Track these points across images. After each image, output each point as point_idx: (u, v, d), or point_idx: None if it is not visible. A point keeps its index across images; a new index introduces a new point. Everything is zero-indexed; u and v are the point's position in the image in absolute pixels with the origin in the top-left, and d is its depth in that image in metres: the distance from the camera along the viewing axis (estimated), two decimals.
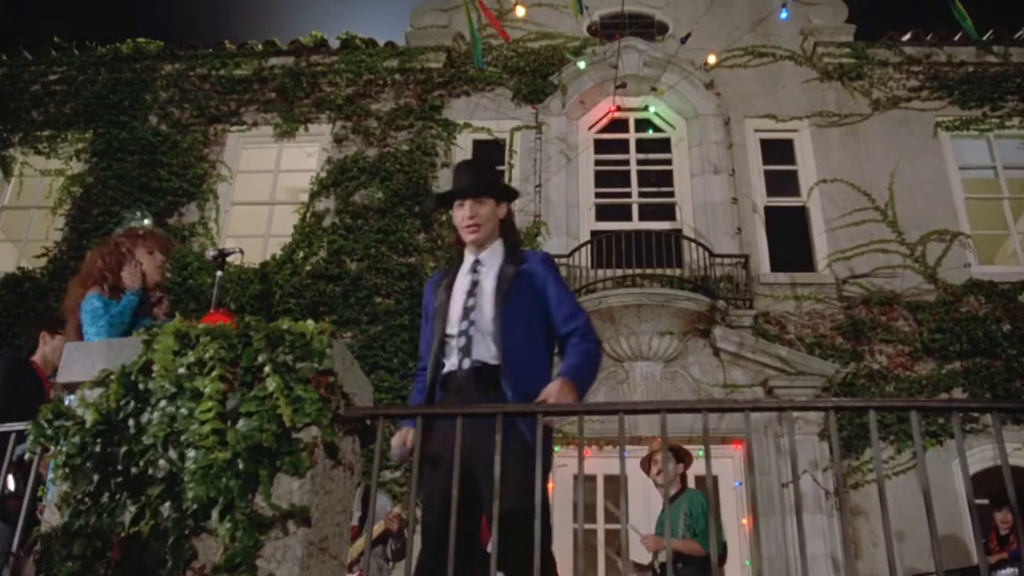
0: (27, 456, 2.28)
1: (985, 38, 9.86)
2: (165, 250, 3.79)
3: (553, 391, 2.51)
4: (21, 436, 2.37)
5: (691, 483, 5.83)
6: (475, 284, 2.87)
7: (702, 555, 5.11)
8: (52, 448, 2.21)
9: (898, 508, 7.06)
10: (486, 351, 2.71)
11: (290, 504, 2.06)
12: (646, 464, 5.76)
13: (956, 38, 9.72)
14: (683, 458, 5.65)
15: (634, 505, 5.92)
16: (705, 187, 9.26)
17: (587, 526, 7.54)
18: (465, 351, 2.73)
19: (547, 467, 2.56)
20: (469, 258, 2.95)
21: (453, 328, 2.79)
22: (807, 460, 7.57)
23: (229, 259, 4.34)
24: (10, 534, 2.67)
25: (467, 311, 2.81)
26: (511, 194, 3.13)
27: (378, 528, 5.14)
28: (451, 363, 2.75)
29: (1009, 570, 5.52)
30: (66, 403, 3.08)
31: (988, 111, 9.51)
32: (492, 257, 2.94)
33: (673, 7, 10.59)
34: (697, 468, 5.90)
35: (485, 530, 2.78)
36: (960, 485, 7.34)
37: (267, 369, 2.14)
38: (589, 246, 8.72)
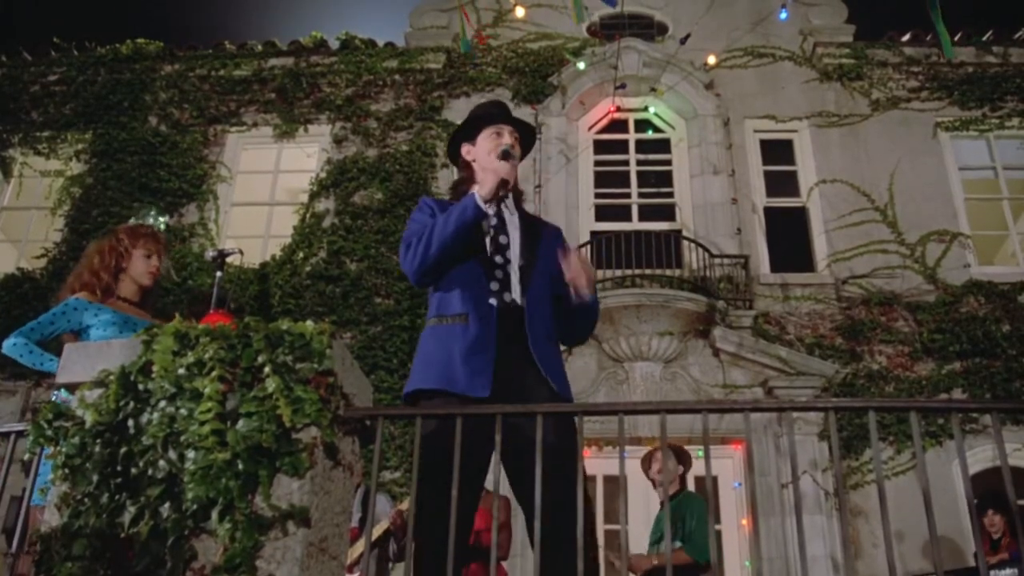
0: (27, 456, 2.28)
1: (985, 38, 9.87)
2: (162, 253, 3.76)
3: (575, 258, 2.63)
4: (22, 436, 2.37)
5: (691, 483, 5.80)
6: (503, 222, 2.81)
7: (686, 563, 5.02)
8: (52, 448, 2.21)
9: (898, 509, 7.06)
10: (517, 293, 2.68)
11: (290, 505, 2.06)
12: (646, 463, 5.73)
13: (956, 38, 9.72)
14: (683, 459, 5.61)
15: (633, 506, 5.92)
16: (705, 188, 9.26)
17: None
18: (504, 284, 2.68)
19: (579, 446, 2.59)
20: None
21: (489, 261, 2.72)
22: (807, 460, 7.57)
23: (229, 260, 4.33)
24: None
25: (501, 247, 2.76)
26: (529, 149, 3.06)
27: (380, 528, 5.13)
28: (480, 287, 2.67)
29: (1009, 570, 5.51)
30: (52, 398, 3.08)
31: (988, 111, 9.51)
32: (511, 203, 2.88)
33: (673, 7, 10.59)
34: (697, 468, 5.90)
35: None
36: (960, 486, 7.34)
37: (267, 370, 2.15)
38: (589, 247, 8.72)
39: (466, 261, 2.70)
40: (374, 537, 4.89)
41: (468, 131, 2.94)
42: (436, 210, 2.79)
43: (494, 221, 2.80)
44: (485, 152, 2.84)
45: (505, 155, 2.75)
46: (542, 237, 2.85)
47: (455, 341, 2.60)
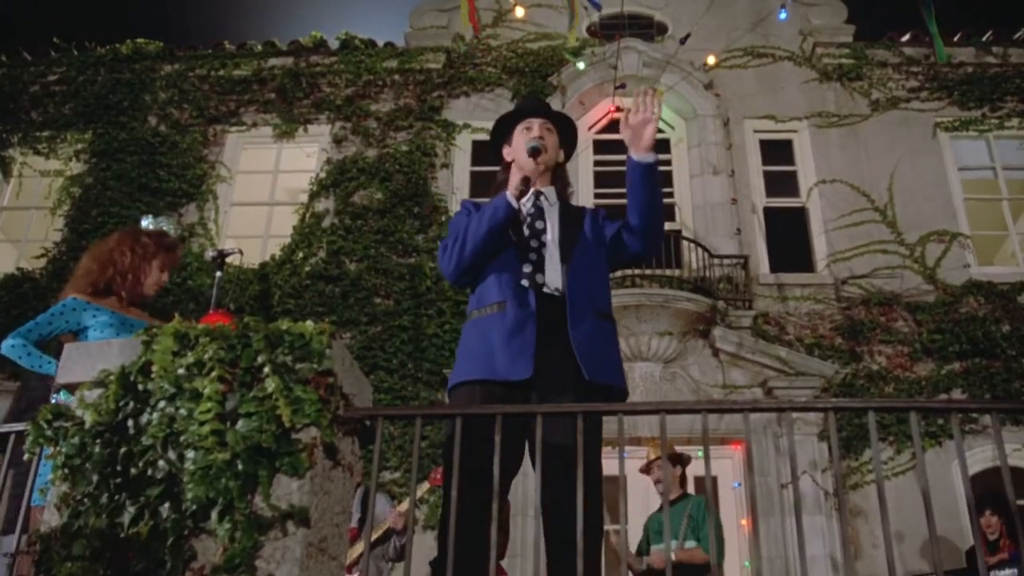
0: (26, 457, 2.28)
1: (985, 38, 9.88)
2: (170, 270, 3.75)
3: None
4: (21, 437, 2.37)
5: (690, 484, 5.82)
6: (540, 211, 2.82)
7: (705, 561, 5.09)
8: (51, 448, 2.21)
9: (897, 509, 7.07)
10: (554, 275, 2.68)
11: (289, 505, 2.06)
12: (645, 469, 5.76)
13: (955, 38, 9.74)
14: (681, 461, 5.65)
15: (633, 506, 5.93)
16: (704, 188, 9.27)
17: None
18: (537, 267, 2.69)
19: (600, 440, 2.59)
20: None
21: (524, 244, 2.73)
22: (806, 461, 7.57)
23: (228, 260, 4.33)
24: None
25: (536, 231, 2.77)
26: (573, 142, 3.03)
27: (380, 529, 5.12)
28: (515, 273, 2.68)
29: (1008, 571, 5.50)
30: (53, 400, 3.07)
31: (987, 112, 9.52)
32: (551, 194, 2.89)
33: (673, 7, 10.59)
34: (697, 469, 5.91)
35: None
36: (959, 486, 7.34)
37: (266, 370, 2.14)
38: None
39: (504, 252, 2.73)
40: (373, 537, 4.89)
41: (505, 132, 2.95)
42: (474, 212, 2.82)
43: (532, 210, 2.82)
44: (520, 149, 2.84)
45: (534, 151, 2.75)
46: (584, 218, 2.87)
47: (494, 329, 2.61)
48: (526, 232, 2.76)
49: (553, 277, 2.69)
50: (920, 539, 7.27)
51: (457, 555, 2.11)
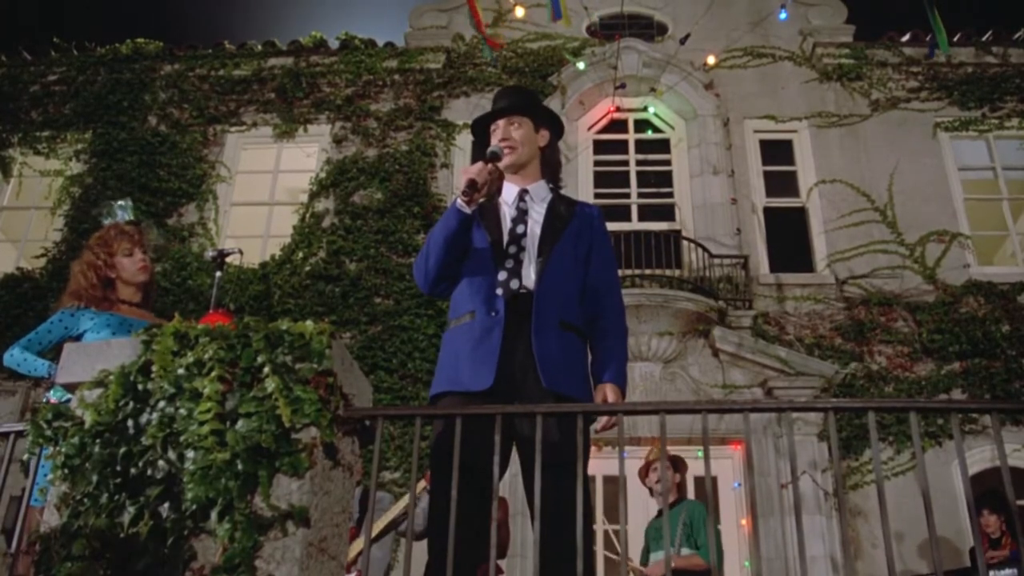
0: (26, 456, 2.28)
1: (985, 39, 9.88)
2: (143, 244, 3.72)
3: (612, 399, 2.57)
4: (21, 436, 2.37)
5: (690, 485, 5.82)
6: (523, 212, 2.76)
7: (704, 568, 5.05)
8: (51, 448, 2.21)
9: (897, 509, 7.07)
10: (528, 279, 2.63)
11: (289, 505, 2.06)
12: (643, 472, 5.75)
13: (955, 39, 9.73)
14: (679, 467, 5.62)
15: (632, 507, 5.93)
16: (704, 188, 9.26)
17: None
18: (514, 273, 2.63)
19: (587, 447, 2.54)
20: (513, 188, 2.81)
21: (500, 249, 2.68)
22: (806, 461, 7.57)
23: (228, 259, 4.33)
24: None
25: (516, 236, 2.70)
26: (551, 117, 2.93)
27: (395, 511, 5.06)
28: (490, 281, 2.63)
29: (1008, 570, 5.50)
30: (44, 399, 3.09)
31: (987, 112, 9.52)
32: (540, 191, 2.83)
33: (672, 7, 10.59)
34: (696, 469, 5.91)
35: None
36: (959, 486, 7.34)
37: (266, 370, 2.14)
38: None
39: (479, 259, 2.68)
40: (379, 529, 4.87)
41: (485, 132, 2.91)
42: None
43: (515, 213, 2.77)
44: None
45: (493, 156, 2.71)
46: (573, 218, 2.79)
47: (463, 339, 2.60)
48: (506, 238, 2.71)
49: (528, 276, 2.64)
50: (920, 539, 7.27)
51: (443, 556, 2.12)
